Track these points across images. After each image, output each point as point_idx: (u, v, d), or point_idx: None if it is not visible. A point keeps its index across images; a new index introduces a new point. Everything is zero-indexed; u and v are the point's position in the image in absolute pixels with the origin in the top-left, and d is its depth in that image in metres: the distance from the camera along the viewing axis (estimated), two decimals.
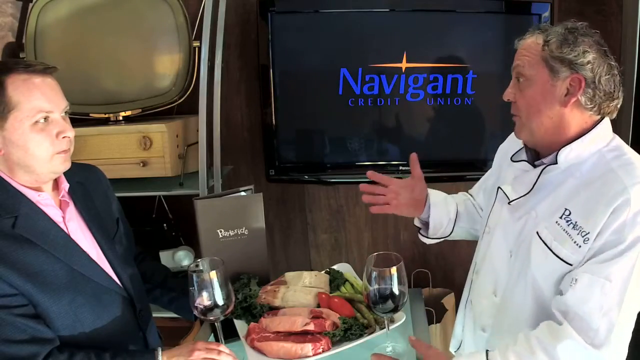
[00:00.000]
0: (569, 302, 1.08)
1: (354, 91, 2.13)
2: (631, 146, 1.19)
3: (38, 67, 1.16)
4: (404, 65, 2.10)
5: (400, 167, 2.18)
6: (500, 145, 1.46)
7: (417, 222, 1.52)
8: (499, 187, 1.32)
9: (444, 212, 1.48)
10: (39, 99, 1.14)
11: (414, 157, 1.45)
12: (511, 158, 1.30)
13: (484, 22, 2.11)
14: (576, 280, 1.08)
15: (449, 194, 1.51)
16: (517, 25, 2.09)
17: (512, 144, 1.36)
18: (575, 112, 1.14)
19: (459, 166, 2.19)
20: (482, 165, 2.13)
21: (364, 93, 2.13)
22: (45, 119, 1.15)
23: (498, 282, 1.28)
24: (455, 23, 2.10)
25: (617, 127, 1.90)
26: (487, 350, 1.15)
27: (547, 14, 2.05)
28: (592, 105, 1.12)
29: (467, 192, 1.61)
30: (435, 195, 1.49)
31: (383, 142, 2.20)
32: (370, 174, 1.46)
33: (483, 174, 1.55)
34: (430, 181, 2.28)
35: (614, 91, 1.13)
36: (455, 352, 1.49)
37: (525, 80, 1.16)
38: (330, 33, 2.11)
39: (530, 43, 1.16)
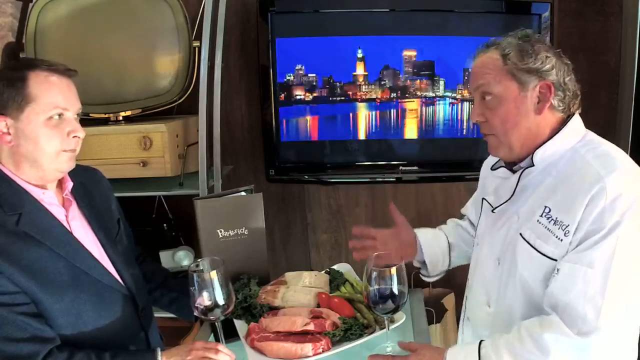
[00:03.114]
0: (554, 293, 1.09)
1: (353, 91, 2.13)
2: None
3: (60, 68, 1.21)
4: (403, 65, 2.10)
5: (401, 167, 2.18)
6: (484, 162, 1.47)
7: (415, 263, 1.52)
8: (483, 199, 1.34)
9: (436, 249, 1.49)
10: (56, 95, 1.18)
11: (392, 207, 1.46)
12: (491, 168, 1.31)
13: (484, 22, 2.11)
14: (558, 270, 1.09)
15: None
16: (517, 25, 2.07)
17: (493, 158, 1.37)
18: (548, 115, 1.15)
19: (459, 166, 2.19)
20: (480, 165, 2.13)
21: (364, 93, 2.13)
22: (60, 116, 1.19)
23: (490, 292, 1.28)
24: (455, 23, 2.10)
25: (617, 129, 1.91)
26: (480, 340, 1.16)
27: (547, 14, 2.05)
28: (563, 107, 1.15)
29: (461, 211, 1.60)
30: (424, 235, 1.50)
31: (383, 142, 2.20)
32: (356, 231, 1.48)
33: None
34: (430, 181, 2.31)
35: (576, 89, 1.16)
36: None
37: (493, 97, 1.16)
38: (330, 33, 2.11)
39: (487, 60, 1.17)
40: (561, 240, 1.10)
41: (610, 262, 1.05)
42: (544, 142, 1.16)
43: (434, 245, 1.49)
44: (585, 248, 1.07)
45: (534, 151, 1.16)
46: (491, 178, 1.33)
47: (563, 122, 1.17)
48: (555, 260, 1.12)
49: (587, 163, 1.12)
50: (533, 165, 1.17)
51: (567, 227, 1.09)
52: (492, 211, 1.27)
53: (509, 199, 1.23)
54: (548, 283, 1.14)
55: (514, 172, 1.23)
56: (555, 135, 1.16)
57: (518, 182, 1.20)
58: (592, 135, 1.19)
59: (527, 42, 1.13)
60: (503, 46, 1.15)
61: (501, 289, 1.24)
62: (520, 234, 1.18)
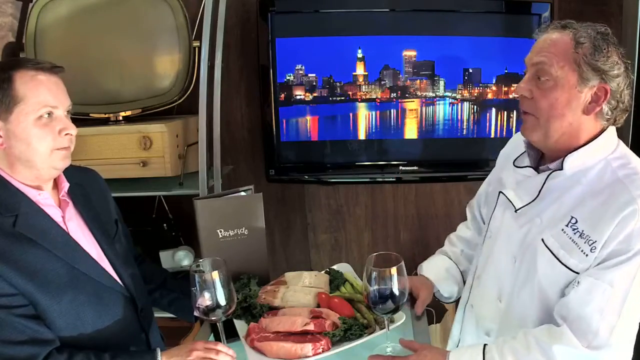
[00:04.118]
0: (570, 304, 1.09)
1: (353, 91, 2.13)
2: (631, 148, 1.18)
3: (46, 65, 1.19)
4: (403, 65, 2.10)
5: (401, 167, 2.18)
6: (501, 151, 1.44)
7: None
8: (500, 192, 1.30)
9: (452, 285, 1.48)
10: (44, 94, 1.16)
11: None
12: (514, 163, 1.28)
13: (484, 22, 2.11)
14: (578, 282, 1.09)
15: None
16: (517, 25, 2.09)
17: (513, 148, 1.35)
18: (591, 119, 1.13)
19: (459, 166, 2.19)
20: (483, 165, 2.14)
21: (364, 93, 2.13)
22: (49, 114, 1.17)
23: (503, 287, 1.26)
24: (455, 23, 2.10)
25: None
26: (485, 344, 1.16)
27: (547, 14, 2.05)
28: (609, 117, 1.12)
29: (466, 209, 1.58)
30: (435, 274, 1.48)
31: (383, 142, 2.20)
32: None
33: (483, 174, 1.53)
34: (430, 181, 2.31)
35: (629, 105, 1.13)
36: None
37: (549, 80, 1.11)
38: (330, 33, 2.11)
39: (559, 41, 1.11)
40: (586, 255, 1.09)
41: (631, 284, 1.06)
42: (577, 148, 1.13)
43: (449, 281, 1.48)
44: (608, 266, 1.07)
45: (565, 155, 1.14)
46: (511, 172, 1.29)
47: (600, 132, 1.14)
48: (577, 273, 1.11)
49: (618, 179, 1.10)
50: (562, 169, 1.14)
51: (594, 242, 1.08)
52: (515, 211, 1.23)
53: (534, 200, 1.20)
54: (565, 292, 1.13)
55: (538, 172, 1.21)
56: (589, 142, 1.13)
57: (544, 184, 1.18)
58: (624, 148, 1.17)
59: (605, 40, 1.09)
60: (580, 34, 1.09)
61: (516, 288, 1.23)
62: (543, 240, 1.16)
